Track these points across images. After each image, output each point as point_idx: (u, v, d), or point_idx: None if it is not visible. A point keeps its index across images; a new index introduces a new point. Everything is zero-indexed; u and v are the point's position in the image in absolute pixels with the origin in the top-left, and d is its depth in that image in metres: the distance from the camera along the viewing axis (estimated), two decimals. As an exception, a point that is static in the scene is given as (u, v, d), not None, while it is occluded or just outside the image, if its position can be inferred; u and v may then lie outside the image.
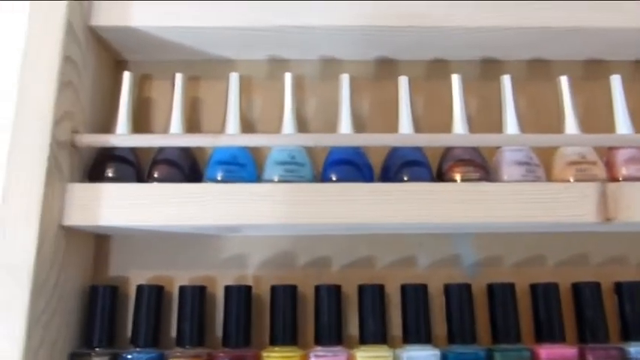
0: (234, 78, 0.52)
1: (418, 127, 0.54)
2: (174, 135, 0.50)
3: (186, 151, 0.51)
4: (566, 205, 0.47)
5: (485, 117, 0.56)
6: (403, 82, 0.53)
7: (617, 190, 0.47)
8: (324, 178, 0.50)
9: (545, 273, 0.53)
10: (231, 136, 0.49)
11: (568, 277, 0.52)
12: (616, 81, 0.53)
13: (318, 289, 0.50)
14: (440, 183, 0.49)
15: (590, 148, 0.51)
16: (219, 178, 0.49)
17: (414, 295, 0.49)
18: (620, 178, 0.50)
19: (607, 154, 0.52)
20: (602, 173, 0.50)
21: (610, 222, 0.47)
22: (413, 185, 0.48)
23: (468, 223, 0.47)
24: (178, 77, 0.52)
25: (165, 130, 0.52)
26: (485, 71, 0.58)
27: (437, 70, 0.58)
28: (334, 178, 0.49)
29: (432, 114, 0.56)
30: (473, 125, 0.54)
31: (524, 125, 0.54)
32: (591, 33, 0.53)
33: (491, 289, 0.50)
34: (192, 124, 0.55)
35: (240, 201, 0.46)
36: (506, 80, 0.53)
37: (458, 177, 0.50)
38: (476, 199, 0.47)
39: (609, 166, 0.51)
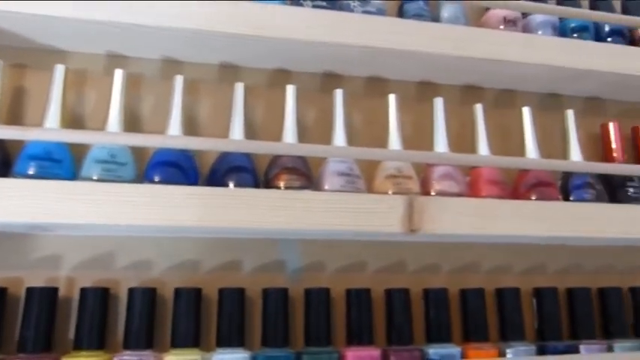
0: (59, 70, 0.50)
1: (254, 133, 0.55)
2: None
3: (-2, 143, 0.48)
4: (375, 216, 0.50)
5: (323, 128, 0.58)
6: (239, 88, 0.54)
7: (424, 203, 0.51)
8: (146, 178, 0.49)
9: (364, 279, 0.56)
10: (44, 130, 0.47)
11: (384, 284, 0.55)
12: (438, 103, 0.58)
13: (131, 291, 0.49)
14: (262, 189, 0.50)
15: (409, 163, 0.55)
16: (29, 174, 0.46)
17: (231, 300, 0.50)
18: (433, 193, 0.55)
19: (425, 170, 0.57)
20: (416, 187, 0.54)
21: (414, 233, 0.50)
22: (236, 190, 0.49)
23: (287, 229, 0.49)
24: (-2, 64, 0.49)
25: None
26: (324, 84, 0.60)
27: (277, 79, 0.59)
28: (157, 180, 0.49)
29: (270, 121, 0.57)
30: (309, 135, 0.57)
31: (357, 138, 0.57)
32: (421, 56, 0.57)
33: (308, 294, 0.52)
34: (15, 115, 0.52)
35: (48, 198, 0.44)
36: (338, 94, 0.56)
37: (282, 184, 0.52)
38: (296, 206, 0.49)
39: (425, 181, 0.56)
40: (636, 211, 0.57)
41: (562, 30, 0.64)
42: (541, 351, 0.55)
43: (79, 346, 0.46)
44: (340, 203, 0.49)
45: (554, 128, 0.63)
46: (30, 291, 0.47)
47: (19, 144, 0.49)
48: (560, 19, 0.64)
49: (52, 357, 0.45)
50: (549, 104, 0.67)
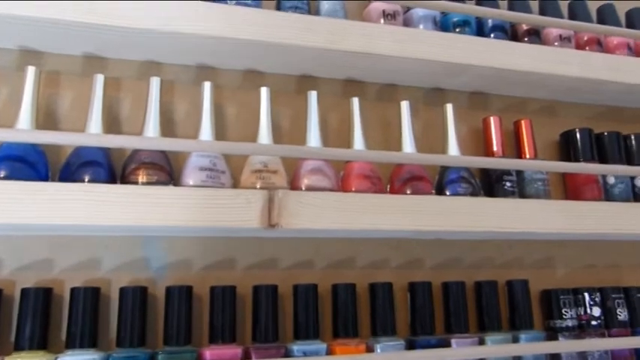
0: None
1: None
2: None
3: None
4: (234, 211, 0.48)
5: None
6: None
7: (284, 197, 0.50)
8: (-10, 173, 0.47)
9: (233, 276, 0.55)
10: None
11: (252, 280, 0.54)
12: (312, 96, 0.57)
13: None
14: (115, 185, 0.49)
15: (277, 158, 0.54)
16: None
17: (86, 299, 0.48)
18: (303, 188, 0.54)
19: (295, 165, 0.56)
20: (282, 182, 0.53)
21: (274, 228, 0.50)
22: (90, 186, 0.47)
23: (141, 227, 0.47)
24: None
25: None
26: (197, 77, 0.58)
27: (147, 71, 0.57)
28: (1, 175, 0.47)
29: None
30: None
31: (230, 132, 0.57)
32: (296, 49, 0.55)
33: (169, 292, 0.51)
34: None
35: None
36: (206, 86, 0.54)
37: (139, 179, 0.50)
38: (154, 202, 0.47)
39: (295, 176, 0.55)
40: (509, 205, 0.58)
41: (444, 25, 0.64)
42: (411, 346, 0.55)
43: (19, 347, 0.45)
44: (198, 199, 0.48)
45: (437, 123, 0.63)
46: None
47: None
48: (442, 13, 0.65)
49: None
50: (433, 99, 0.67)
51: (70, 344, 0.47)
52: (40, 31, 0.51)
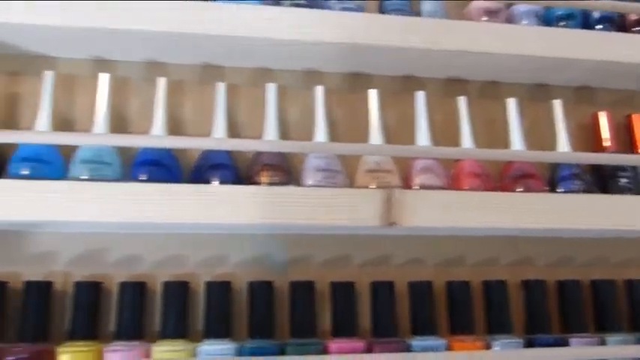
0: (48, 76, 0.53)
1: (235, 131, 0.57)
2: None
3: (-7, 147, 0.51)
4: (353, 210, 0.50)
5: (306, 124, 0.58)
6: (221, 88, 0.56)
7: (402, 196, 0.51)
8: (132, 177, 0.51)
9: (349, 272, 0.57)
10: (35, 133, 0.50)
11: (370, 277, 0.55)
12: (420, 97, 0.59)
13: (122, 285, 0.51)
14: (246, 186, 0.52)
15: (389, 157, 0.56)
16: (21, 174, 0.49)
17: (218, 292, 0.52)
18: (415, 187, 0.55)
19: (406, 164, 0.57)
20: (396, 181, 0.54)
21: (393, 226, 0.51)
22: (219, 187, 0.51)
23: (268, 224, 0.50)
24: (-9, 72, 0.53)
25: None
26: (305, 82, 0.61)
27: (259, 77, 0.60)
28: (142, 178, 0.51)
29: (253, 120, 0.58)
30: (292, 132, 0.58)
31: (339, 134, 0.58)
32: (401, 51, 0.57)
33: (293, 287, 0.53)
34: (10, 120, 0.55)
35: (40, 198, 0.47)
36: (319, 91, 0.57)
37: (264, 180, 0.53)
38: (277, 202, 0.50)
39: (407, 175, 0.56)
40: (626, 202, 0.56)
41: (547, 19, 0.63)
42: (529, 344, 0.54)
43: (73, 337, 0.49)
44: (318, 198, 0.50)
45: (544, 119, 0.62)
46: (28, 285, 0.49)
47: (13, 148, 0.52)
48: (545, 7, 0.64)
49: (48, 347, 0.48)
50: (537, 95, 0.66)
51: (207, 335, 0.51)
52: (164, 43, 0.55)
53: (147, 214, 0.48)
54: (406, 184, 0.55)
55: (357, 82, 0.62)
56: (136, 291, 0.51)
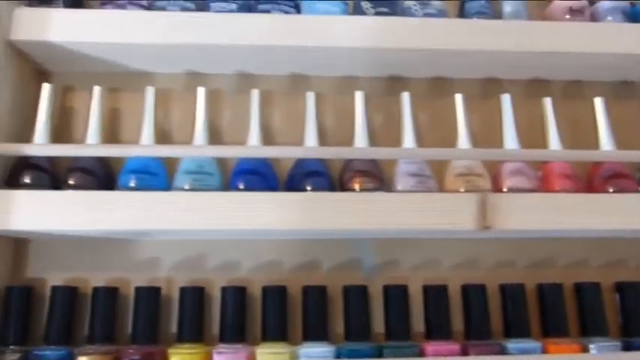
0: (150, 92, 0.56)
1: (324, 139, 0.58)
2: (86, 145, 0.52)
3: (102, 160, 0.54)
4: (448, 214, 0.51)
5: (390, 131, 0.59)
6: (310, 97, 0.57)
7: (497, 200, 0.52)
8: (231, 186, 0.54)
9: (440, 275, 0.57)
10: (142, 147, 0.52)
11: (461, 280, 0.56)
12: (506, 99, 0.58)
13: (224, 290, 0.53)
14: (340, 192, 0.53)
15: (478, 161, 0.56)
16: (131, 186, 0.52)
17: (314, 296, 0.53)
18: (505, 189, 0.55)
19: (495, 167, 0.57)
20: (487, 184, 0.55)
21: (488, 230, 0.51)
22: (315, 194, 0.52)
23: (364, 230, 0.51)
24: (96, 90, 0.55)
25: (82, 139, 0.55)
26: (389, 88, 0.62)
27: (345, 86, 0.62)
28: (241, 187, 0.53)
29: (340, 127, 0.60)
30: (377, 138, 0.59)
31: (425, 139, 0.59)
32: (485, 55, 0.57)
33: (387, 291, 0.55)
34: (112, 134, 0.58)
35: (147, 208, 0.49)
36: (405, 97, 0.58)
37: (356, 187, 0.54)
38: (371, 207, 0.51)
39: (496, 178, 0.56)
40: None
41: (633, 15, 0.62)
42: (627, 347, 0.54)
43: (181, 339, 0.52)
44: (413, 203, 0.51)
45: (630, 117, 0.61)
46: (138, 290, 0.52)
47: (118, 159, 0.55)
48: (631, 3, 0.62)
49: (159, 349, 0.51)
50: (622, 92, 0.65)
51: (306, 337, 0.52)
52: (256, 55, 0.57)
53: (245, 221, 0.50)
54: (496, 188, 0.55)
55: (440, 86, 0.63)
56: (237, 295, 0.53)
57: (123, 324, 0.53)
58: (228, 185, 0.54)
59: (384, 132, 0.60)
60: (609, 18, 0.61)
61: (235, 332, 0.52)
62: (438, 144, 0.59)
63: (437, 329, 0.53)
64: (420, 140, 0.58)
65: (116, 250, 0.55)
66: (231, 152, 0.54)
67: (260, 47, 0.55)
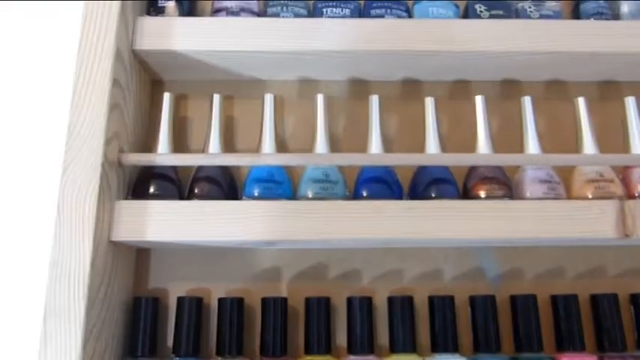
0: (268, 99, 0.55)
1: (444, 145, 0.56)
2: (214, 154, 0.52)
3: (225, 169, 0.53)
4: (586, 222, 0.50)
5: (506, 135, 0.58)
6: (429, 102, 0.56)
7: (635, 207, 0.50)
8: (356, 195, 0.53)
9: (565, 285, 0.56)
10: (269, 155, 0.52)
11: (588, 289, 0.54)
12: (630, 102, 0.56)
13: (350, 300, 0.53)
14: (466, 200, 0.52)
15: (608, 166, 0.54)
16: (256, 195, 0.51)
17: (441, 306, 0.52)
18: (637, 195, 0.53)
19: (623, 172, 0.55)
20: (620, 190, 0.53)
21: (628, 238, 0.50)
22: (441, 202, 0.51)
23: (493, 239, 0.50)
24: (216, 98, 0.55)
25: (203, 148, 0.54)
26: (506, 93, 0.61)
27: (459, 90, 0.61)
28: (366, 195, 0.52)
29: (457, 133, 0.59)
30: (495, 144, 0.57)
31: (543, 144, 0.57)
32: (605, 57, 0.56)
33: (514, 301, 0.53)
34: (227, 142, 0.58)
35: (277, 217, 0.49)
36: (527, 102, 0.56)
37: (483, 194, 0.53)
38: (500, 215, 0.50)
39: (625, 183, 0.54)
40: None
41: None
42: None
43: (309, 351, 0.51)
44: (547, 211, 0.50)
45: None
46: (265, 301, 0.52)
47: (237, 168, 0.55)
48: None
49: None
50: None
51: (436, 349, 0.51)
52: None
53: (371, 230, 0.49)
54: (627, 194, 0.54)
55: (558, 90, 0.61)
56: (362, 306, 0.52)
57: (250, 335, 0.52)
58: (351, 193, 0.53)
59: (500, 138, 0.58)
60: None
61: (364, 343, 0.51)
62: (557, 150, 0.57)
63: (571, 340, 0.52)
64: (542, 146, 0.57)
65: (237, 258, 0.55)
66: (354, 160, 0.52)
67: (373, 52, 0.54)
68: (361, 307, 0.52)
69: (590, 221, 0.49)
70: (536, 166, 0.54)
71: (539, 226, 0.50)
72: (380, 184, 0.53)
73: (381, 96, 0.57)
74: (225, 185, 0.53)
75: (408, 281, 0.55)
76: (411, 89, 0.61)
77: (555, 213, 0.50)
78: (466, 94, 0.59)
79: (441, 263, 0.56)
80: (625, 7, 0.59)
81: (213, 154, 0.52)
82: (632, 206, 0.50)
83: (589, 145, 0.55)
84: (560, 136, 0.59)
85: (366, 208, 0.49)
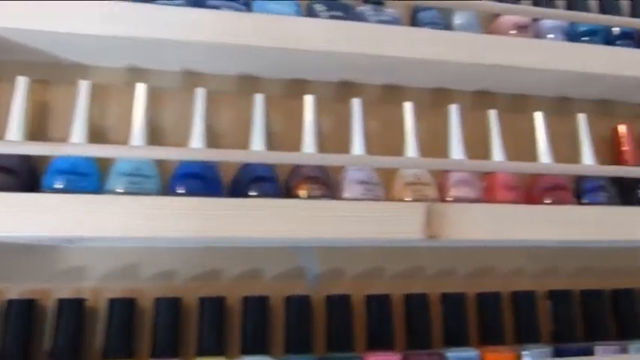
0: (83, 86, 0.51)
1: (272, 143, 0.56)
2: (7, 142, 0.47)
3: (26, 158, 0.49)
4: (395, 223, 0.50)
5: (340, 136, 0.58)
6: (258, 99, 0.55)
7: (443, 209, 0.52)
8: (170, 190, 0.51)
9: (383, 285, 0.57)
10: (72, 145, 0.48)
11: (402, 289, 0.56)
12: (453, 110, 0.59)
13: (157, 301, 0.50)
14: (286, 199, 0.51)
15: (426, 170, 0.56)
16: (55, 187, 0.47)
17: (254, 307, 0.51)
18: (450, 199, 0.56)
19: (441, 177, 0.58)
20: (434, 194, 0.55)
21: (434, 239, 0.51)
22: (260, 201, 0.50)
23: (310, 238, 0.50)
24: (21, 81, 0.50)
25: (2, 135, 0.49)
26: (340, 93, 0.61)
27: (295, 89, 0.60)
28: (181, 191, 0.50)
29: (289, 131, 0.58)
30: (327, 144, 0.58)
31: (374, 147, 0.58)
32: (436, 64, 0.58)
33: (330, 301, 0.54)
34: (39, 129, 0.53)
35: (77, 212, 0.45)
36: (356, 104, 0.57)
37: (303, 193, 0.53)
38: (319, 215, 0.50)
39: (441, 187, 0.57)
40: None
41: (572, 34, 0.65)
42: (557, 353, 0.56)
43: (107, 355, 0.48)
44: (361, 211, 0.50)
45: (566, 131, 0.64)
46: (61, 302, 0.48)
47: (45, 158, 0.50)
48: (569, 23, 0.65)
49: (83, 366, 0.47)
50: (560, 108, 0.67)
51: (245, 351, 0.50)
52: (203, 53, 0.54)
53: (184, 228, 0.47)
54: (441, 197, 0.56)
55: (391, 94, 0.62)
56: (171, 308, 0.50)
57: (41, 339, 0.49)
58: (167, 189, 0.51)
59: (334, 138, 0.59)
60: (550, 36, 0.64)
61: (168, 346, 0.49)
62: (386, 152, 0.58)
63: (379, 339, 0.53)
64: (370, 147, 0.58)
65: (36, 257, 0.50)
66: (171, 154, 0.50)
67: (208, 44, 0.52)
68: (169, 309, 0.50)
69: (400, 222, 0.50)
70: (357, 167, 0.54)
71: (354, 227, 0.50)
72: (197, 180, 0.51)
73: (212, 90, 0.55)
74: (24, 176, 0.48)
75: (225, 281, 0.54)
76: (246, 84, 0.59)
77: (368, 214, 0.50)
78: (301, 93, 0.58)
79: (261, 263, 0.55)
80: (458, 19, 0.62)
81: (7, 142, 0.47)
82: (440, 209, 0.52)
83: (411, 149, 0.57)
84: (389, 138, 0.60)
85: (182, 205, 0.47)
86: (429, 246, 0.58)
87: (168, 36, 0.51)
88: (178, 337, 0.49)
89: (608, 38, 0.66)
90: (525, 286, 0.59)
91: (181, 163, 0.51)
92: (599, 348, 0.56)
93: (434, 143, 0.60)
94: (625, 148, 0.64)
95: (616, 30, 0.66)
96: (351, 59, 0.56)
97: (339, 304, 0.53)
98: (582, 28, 0.65)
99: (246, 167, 0.53)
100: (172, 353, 0.49)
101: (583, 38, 0.65)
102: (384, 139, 0.60)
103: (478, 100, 0.65)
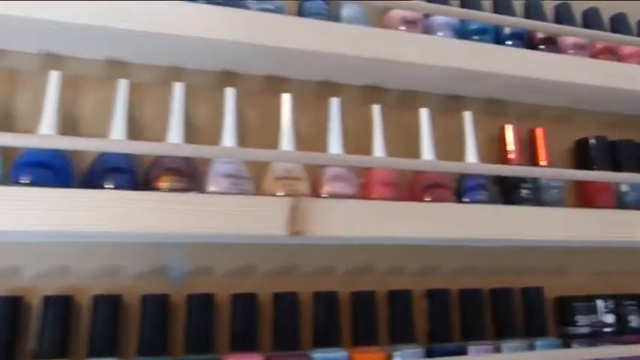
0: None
1: (139, 132, 0.53)
2: None
3: None
4: (258, 218, 0.48)
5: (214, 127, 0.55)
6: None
7: (309, 205, 0.50)
8: (12, 179, 0.47)
9: (253, 283, 0.55)
10: None
11: (273, 287, 0.54)
12: (334, 103, 0.57)
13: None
14: (140, 192, 0.48)
15: (299, 165, 0.54)
16: None
17: (106, 307, 0.48)
18: (324, 195, 0.54)
19: (316, 172, 0.56)
20: (305, 189, 0.53)
21: (298, 235, 0.49)
22: (114, 193, 0.47)
23: (166, 234, 0.47)
24: None
25: None
26: (219, 83, 0.58)
27: (168, 76, 0.57)
28: (24, 181, 0.47)
29: (158, 120, 0.54)
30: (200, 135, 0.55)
31: (252, 139, 0.56)
32: (319, 56, 0.55)
33: (191, 300, 0.51)
34: None
35: None
36: (229, 93, 0.54)
37: (164, 185, 0.50)
38: (177, 209, 0.47)
39: (316, 182, 0.55)
40: (527, 212, 0.58)
41: (462, 32, 0.64)
42: (429, 353, 0.55)
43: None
44: (224, 206, 0.48)
45: (456, 129, 0.63)
46: None
47: None
48: (460, 20, 0.65)
49: None
50: (451, 105, 0.67)
51: (92, 354, 0.46)
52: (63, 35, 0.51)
53: (27, 222, 0.43)
54: (315, 192, 0.54)
55: (272, 85, 0.60)
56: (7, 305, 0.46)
57: None
58: (8, 178, 0.47)
59: (208, 128, 0.56)
60: (440, 33, 0.63)
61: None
62: (265, 144, 0.56)
63: (243, 340, 0.50)
64: (247, 139, 0.56)
65: None
66: (20, 141, 0.46)
67: (71, 25, 0.48)
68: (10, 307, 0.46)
69: (262, 218, 0.48)
70: (224, 160, 0.52)
71: (217, 221, 0.47)
72: (43, 169, 0.47)
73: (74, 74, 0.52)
74: None
75: (76, 279, 0.50)
76: (114, 69, 0.55)
77: (233, 209, 0.48)
78: (175, 80, 0.54)
79: (120, 259, 0.52)
80: (345, 12, 0.61)
81: None
82: (307, 204, 0.50)
83: (286, 142, 0.55)
84: (267, 130, 0.57)
85: (17, 195, 0.43)
86: (304, 243, 0.56)
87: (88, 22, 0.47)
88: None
89: (498, 38, 0.66)
90: (404, 285, 0.57)
91: (25, 150, 0.48)
92: (472, 348, 0.56)
93: (317, 137, 0.58)
94: (510, 147, 0.64)
95: (507, 30, 0.67)
96: (229, 48, 0.53)
97: (200, 303, 0.50)
98: (473, 27, 0.65)
99: (101, 157, 0.49)
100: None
101: (474, 37, 0.65)
102: (262, 131, 0.58)
103: (367, 95, 0.64)
